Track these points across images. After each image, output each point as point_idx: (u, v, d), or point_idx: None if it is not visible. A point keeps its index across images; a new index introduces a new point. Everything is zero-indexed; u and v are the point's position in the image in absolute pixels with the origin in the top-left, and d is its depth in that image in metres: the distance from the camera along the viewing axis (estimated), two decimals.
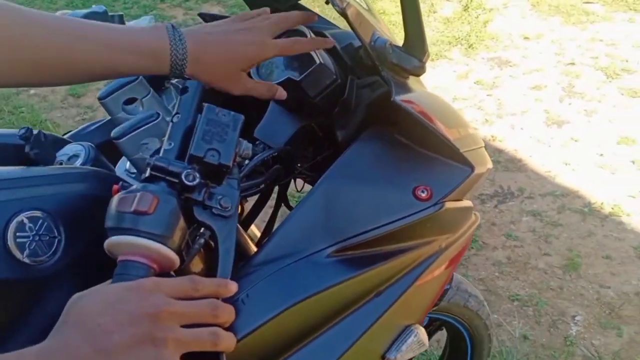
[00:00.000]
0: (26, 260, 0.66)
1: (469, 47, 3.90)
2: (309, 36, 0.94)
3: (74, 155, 0.83)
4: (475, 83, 3.53)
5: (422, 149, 0.89)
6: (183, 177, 0.67)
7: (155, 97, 0.90)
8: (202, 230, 0.76)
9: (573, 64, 3.63)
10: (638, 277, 2.22)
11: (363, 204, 0.83)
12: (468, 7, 4.36)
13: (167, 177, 0.68)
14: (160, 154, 0.71)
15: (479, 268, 2.29)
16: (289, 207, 1.07)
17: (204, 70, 0.75)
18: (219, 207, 0.70)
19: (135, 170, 0.91)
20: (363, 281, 0.83)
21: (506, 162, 2.86)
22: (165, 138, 0.73)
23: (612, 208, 2.54)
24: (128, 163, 0.92)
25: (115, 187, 0.70)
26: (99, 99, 0.88)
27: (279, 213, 1.09)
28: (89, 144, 0.86)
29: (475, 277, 2.25)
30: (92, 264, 0.73)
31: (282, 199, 1.05)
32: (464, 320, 1.44)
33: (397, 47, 0.91)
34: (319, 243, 0.80)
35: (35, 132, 0.79)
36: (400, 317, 0.93)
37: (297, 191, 1.09)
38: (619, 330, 2.03)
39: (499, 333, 2.04)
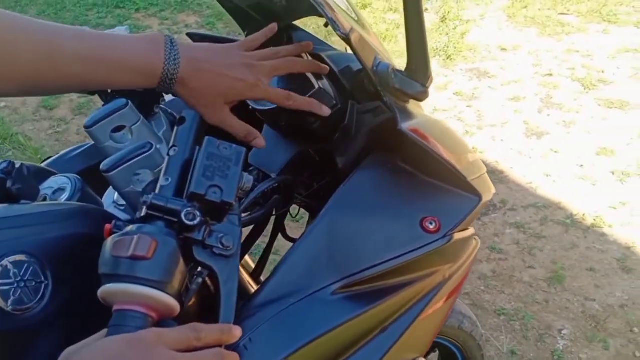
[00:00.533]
0: (10, 309, 0.61)
1: (447, 58, 3.91)
2: (305, 58, 0.90)
3: (59, 188, 0.78)
4: (454, 94, 3.53)
5: (427, 177, 0.85)
6: (183, 216, 0.62)
7: (145, 124, 0.85)
8: (199, 269, 0.72)
9: (550, 75, 3.66)
10: (622, 290, 2.22)
11: (369, 237, 0.79)
12: (445, 19, 4.37)
13: (165, 216, 0.63)
14: (157, 191, 0.66)
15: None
16: (287, 238, 1.03)
17: (189, 93, 0.74)
18: (220, 246, 0.66)
19: (124, 203, 0.86)
20: (368, 318, 0.80)
21: (488, 174, 2.85)
22: (162, 173, 0.68)
23: (594, 219, 2.54)
24: (116, 195, 0.87)
25: (107, 226, 0.65)
26: (85, 127, 0.82)
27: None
28: (75, 176, 0.81)
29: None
30: (81, 310, 0.68)
31: (280, 229, 1.00)
32: (457, 342, 1.42)
33: (400, 71, 0.88)
34: (324, 279, 0.76)
35: (17, 165, 0.74)
36: (404, 351, 0.89)
37: (292, 217, 1.05)
38: (605, 343, 2.02)
39: (487, 349, 2.01)
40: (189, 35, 1.16)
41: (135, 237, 0.59)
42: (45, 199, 0.78)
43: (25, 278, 0.63)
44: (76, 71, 0.67)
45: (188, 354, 0.56)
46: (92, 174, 0.92)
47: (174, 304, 0.60)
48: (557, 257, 2.39)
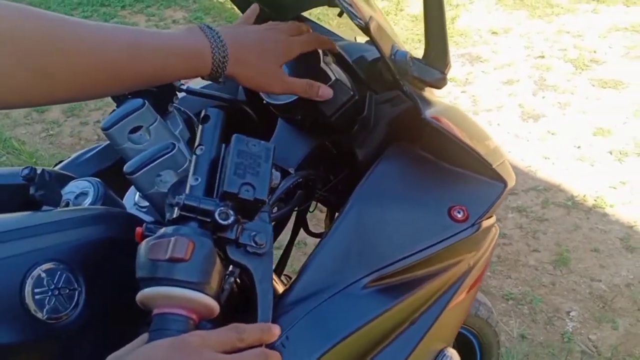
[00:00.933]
0: (46, 318, 0.60)
1: None
2: (320, 53, 0.89)
3: (82, 193, 0.76)
4: (448, 80, 3.51)
5: (450, 165, 0.84)
6: (217, 216, 0.61)
7: (162, 123, 0.84)
8: (230, 268, 0.71)
9: (543, 57, 3.66)
10: (627, 269, 2.24)
11: (397, 229, 0.78)
12: None
13: (198, 217, 0.62)
14: (187, 191, 0.65)
15: None
16: (310, 233, 1.02)
17: (243, 69, 0.73)
18: (253, 244, 0.65)
19: (145, 204, 0.85)
20: (399, 311, 0.79)
21: None
22: (190, 173, 0.67)
23: (595, 200, 2.55)
24: (137, 196, 0.86)
25: (138, 230, 0.64)
26: (103, 129, 0.81)
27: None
28: (96, 179, 0.79)
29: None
30: (114, 315, 0.67)
31: (302, 224, 0.99)
32: (474, 328, 1.41)
33: (417, 59, 0.87)
34: (354, 274, 0.76)
35: (39, 171, 0.72)
36: (434, 342, 0.89)
37: (310, 212, 1.04)
38: (614, 323, 2.03)
39: None
40: None
41: (172, 239, 0.58)
42: (67, 204, 0.76)
43: (59, 286, 0.62)
44: (127, 63, 0.64)
45: (233, 356, 0.56)
46: (107, 176, 0.91)
47: (214, 304, 0.59)
48: (560, 240, 2.39)
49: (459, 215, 0.79)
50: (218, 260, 0.61)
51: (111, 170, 0.99)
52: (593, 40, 3.78)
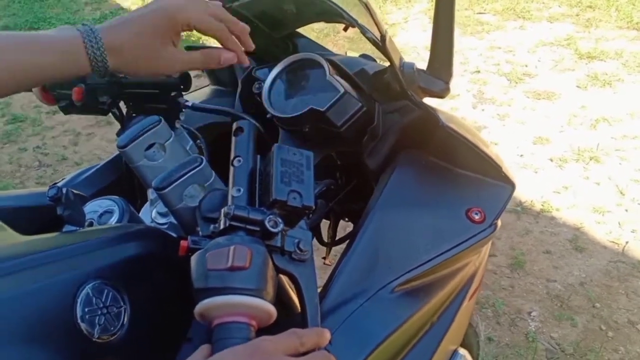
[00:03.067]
0: (97, 337, 0.59)
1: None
2: (326, 67, 0.91)
3: (106, 212, 0.75)
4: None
5: (460, 169, 0.88)
6: (267, 224, 0.62)
7: (176, 140, 0.83)
8: None
9: (478, 72, 3.83)
10: (579, 268, 2.36)
11: (421, 232, 0.81)
12: None
13: (247, 226, 0.62)
14: (229, 202, 0.65)
15: None
16: (322, 243, 1.03)
17: (127, 58, 0.68)
18: (298, 251, 0.66)
19: (163, 221, 0.84)
20: (425, 313, 0.82)
21: None
22: (230, 184, 0.67)
23: (542, 205, 2.68)
24: (154, 212, 0.84)
25: (183, 244, 0.63)
26: (120, 147, 0.79)
27: None
28: (119, 198, 0.77)
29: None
30: (158, 330, 0.66)
31: (315, 233, 1.00)
32: None
33: (423, 70, 0.90)
34: (384, 278, 0.77)
35: (64, 191, 0.70)
36: (449, 343, 0.92)
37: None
38: (572, 320, 2.13)
39: None
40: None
41: (231, 248, 0.58)
42: (91, 224, 0.74)
43: (107, 304, 0.60)
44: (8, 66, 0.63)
45: (302, 358, 0.57)
46: (107, 195, 0.89)
47: (273, 310, 0.60)
48: (514, 244, 2.50)
49: (477, 217, 0.82)
50: (272, 266, 0.61)
51: (109, 189, 0.97)
52: (523, 55, 3.98)
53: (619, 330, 2.09)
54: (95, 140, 3.32)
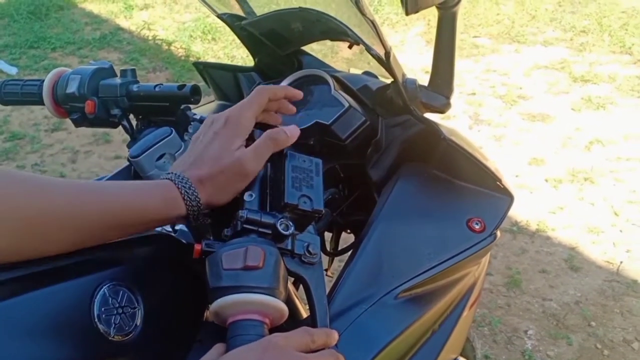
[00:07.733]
0: (113, 336, 0.61)
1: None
2: (331, 83, 0.94)
3: None
4: None
5: (461, 181, 0.91)
6: (279, 227, 0.64)
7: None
8: None
9: (474, 94, 3.88)
10: (574, 287, 2.38)
11: (423, 241, 0.83)
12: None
13: (259, 229, 0.65)
14: (243, 206, 0.68)
15: None
16: (326, 252, 1.05)
17: (212, 191, 0.68)
18: (307, 254, 0.68)
19: (171, 230, 0.86)
20: (426, 320, 0.83)
21: None
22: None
23: (538, 225, 2.71)
24: None
25: (197, 247, 0.66)
26: (132, 157, 0.82)
27: None
28: None
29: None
30: (169, 331, 0.68)
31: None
32: None
33: (424, 86, 0.93)
34: (388, 284, 0.79)
35: None
36: (449, 351, 0.93)
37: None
38: (568, 339, 2.15)
39: None
40: (195, 64, 1.17)
41: (246, 248, 0.60)
42: None
43: (123, 305, 0.63)
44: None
45: (311, 355, 0.59)
46: None
47: (285, 308, 0.62)
48: (510, 263, 2.52)
49: (477, 227, 0.85)
50: (284, 267, 0.64)
51: None
52: (518, 77, 4.05)
53: (614, 349, 2.11)
54: (94, 158, 3.34)
